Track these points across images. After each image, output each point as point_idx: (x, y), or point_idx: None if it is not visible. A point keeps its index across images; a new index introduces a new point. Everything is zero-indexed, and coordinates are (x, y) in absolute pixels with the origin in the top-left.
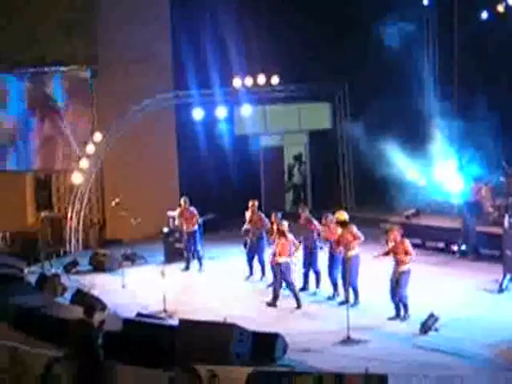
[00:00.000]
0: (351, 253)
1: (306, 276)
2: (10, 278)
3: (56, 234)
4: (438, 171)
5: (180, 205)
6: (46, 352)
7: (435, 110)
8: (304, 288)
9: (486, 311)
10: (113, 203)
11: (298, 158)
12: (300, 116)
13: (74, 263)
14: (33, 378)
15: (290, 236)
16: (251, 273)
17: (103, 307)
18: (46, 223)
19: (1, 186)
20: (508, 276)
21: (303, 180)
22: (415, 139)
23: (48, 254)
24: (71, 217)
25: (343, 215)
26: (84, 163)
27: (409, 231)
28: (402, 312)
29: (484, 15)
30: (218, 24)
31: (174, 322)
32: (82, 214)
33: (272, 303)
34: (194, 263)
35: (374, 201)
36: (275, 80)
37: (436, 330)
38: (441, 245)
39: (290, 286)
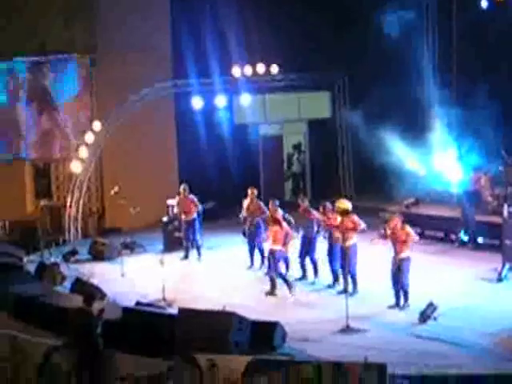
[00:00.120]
0: (350, 242)
1: (302, 265)
2: (9, 266)
3: (55, 223)
4: (438, 160)
5: (179, 193)
6: (46, 341)
7: (434, 98)
8: (303, 277)
9: (485, 300)
10: (112, 192)
11: (297, 147)
12: (299, 105)
13: (74, 252)
14: (32, 367)
15: (285, 225)
16: (252, 263)
17: (102, 296)
18: (45, 212)
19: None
20: (507, 265)
21: (302, 169)
22: (415, 128)
23: (47, 242)
24: (70, 205)
25: (344, 204)
26: (83, 152)
27: (408, 220)
28: (402, 301)
29: (484, 3)
30: (217, 14)
31: (174, 310)
32: (81, 202)
33: (271, 292)
34: (193, 252)
35: (374, 190)
36: (275, 69)
37: (435, 318)
38: (440, 234)
39: (279, 274)
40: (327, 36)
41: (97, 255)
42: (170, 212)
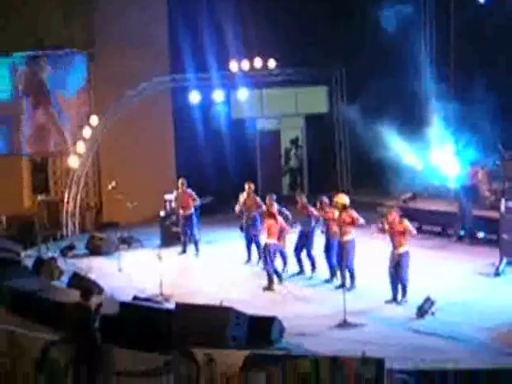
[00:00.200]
0: (347, 237)
1: (299, 259)
2: (6, 261)
3: (52, 218)
4: (435, 155)
5: (177, 187)
6: (43, 335)
7: (432, 93)
8: (300, 272)
9: (483, 295)
10: (109, 187)
11: (294, 141)
12: (297, 100)
13: (71, 247)
14: (30, 361)
15: (280, 219)
16: (249, 258)
17: (100, 291)
18: (43, 207)
19: None
20: (504, 260)
21: (300, 164)
22: (412, 122)
23: (45, 237)
24: (68, 200)
25: (343, 199)
26: (80, 147)
27: (405, 215)
28: (400, 296)
29: None
30: (215, 8)
31: (171, 305)
32: (79, 197)
33: (268, 287)
34: (191, 247)
35: (371, 184)
36: (272, 63)
37: (432, 313)
38: (437, 229)
39: (267, 266)
40: (324, 30)
41: (94, 250)
42: (168, 206)
